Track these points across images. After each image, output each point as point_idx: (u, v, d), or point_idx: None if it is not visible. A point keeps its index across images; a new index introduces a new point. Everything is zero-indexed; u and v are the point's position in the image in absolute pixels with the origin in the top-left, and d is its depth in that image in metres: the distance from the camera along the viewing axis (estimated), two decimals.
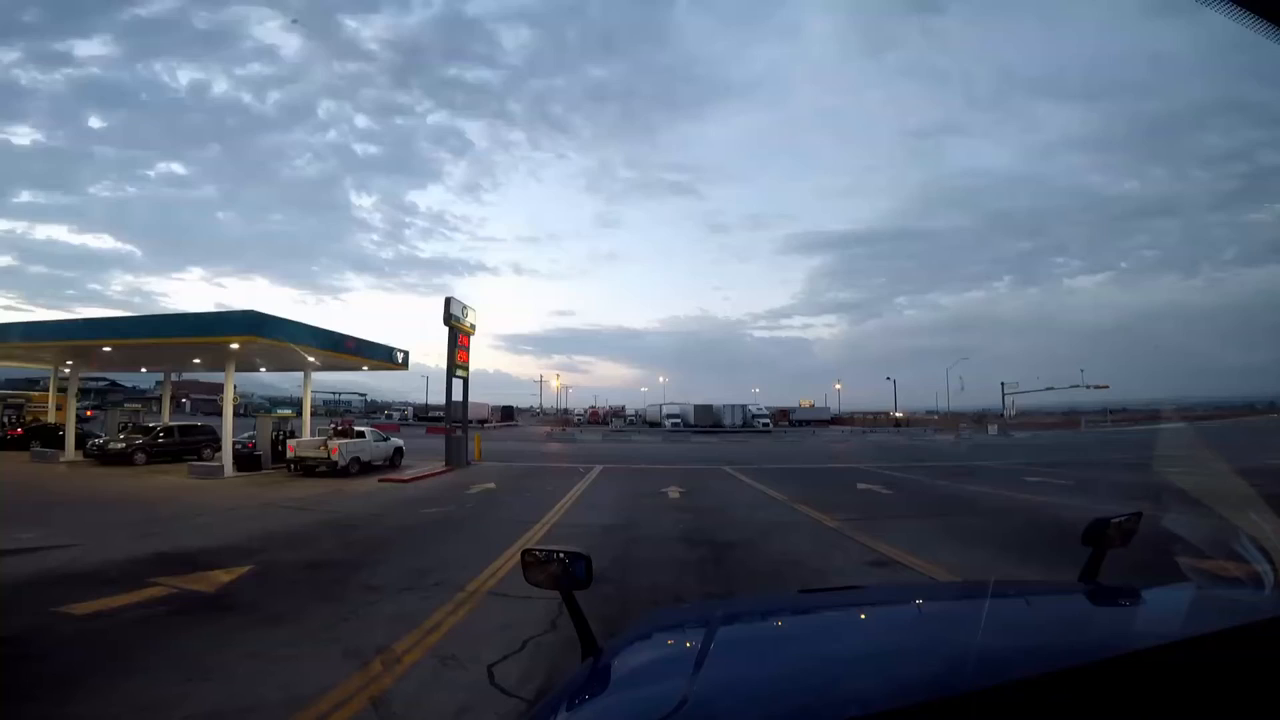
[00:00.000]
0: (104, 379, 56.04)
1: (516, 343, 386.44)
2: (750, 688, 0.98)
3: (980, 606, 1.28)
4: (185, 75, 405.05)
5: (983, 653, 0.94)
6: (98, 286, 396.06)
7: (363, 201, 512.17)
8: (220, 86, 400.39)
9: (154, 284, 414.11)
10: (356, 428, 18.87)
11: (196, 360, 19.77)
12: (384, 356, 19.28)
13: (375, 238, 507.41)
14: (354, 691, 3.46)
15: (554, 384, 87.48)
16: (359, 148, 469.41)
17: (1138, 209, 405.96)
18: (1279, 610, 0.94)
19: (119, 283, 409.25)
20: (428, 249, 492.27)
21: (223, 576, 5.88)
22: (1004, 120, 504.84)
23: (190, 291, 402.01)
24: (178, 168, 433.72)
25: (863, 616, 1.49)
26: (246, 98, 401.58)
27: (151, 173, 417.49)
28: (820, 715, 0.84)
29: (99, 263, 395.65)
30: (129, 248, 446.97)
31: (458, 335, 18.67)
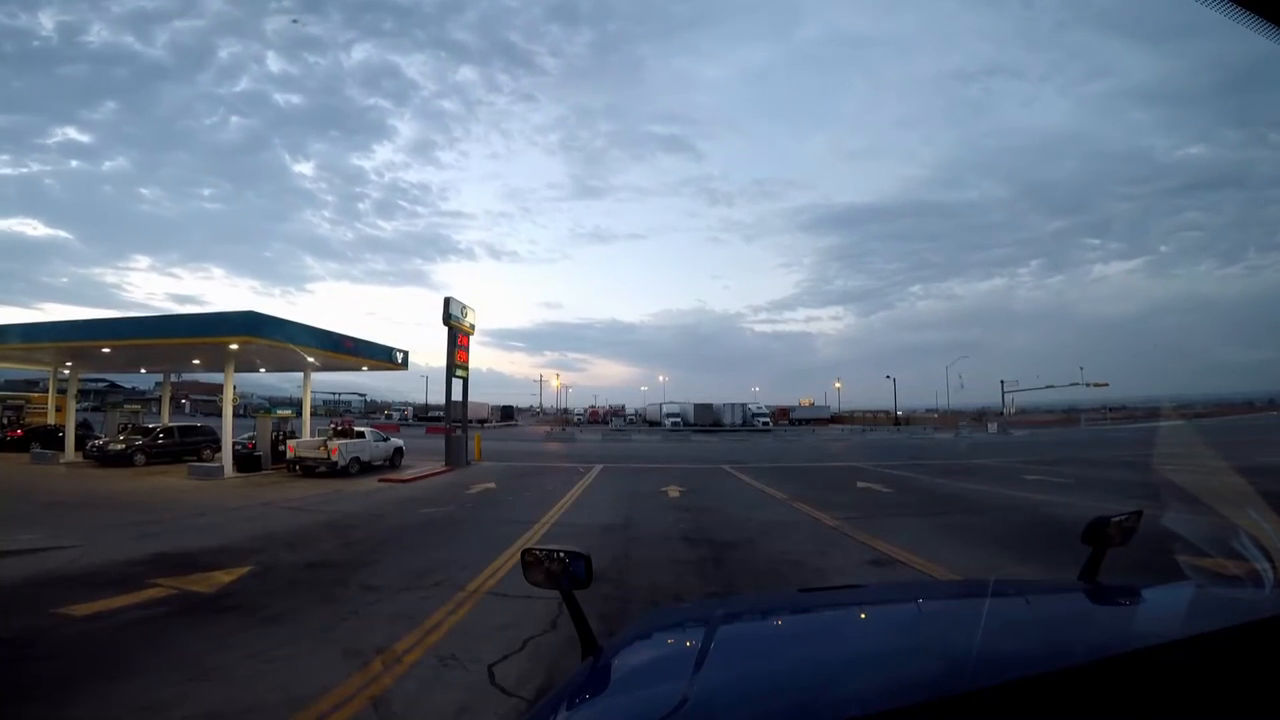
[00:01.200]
0: (103, 380, 56.02)
1: (505, 339, 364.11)
2: (750, 687, 0.98)
3: (980, 605, 1.28)
4: (49, 18, 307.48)
5: (983, 652, 0.94)
6: (48, 279, 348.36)
7: (302, 168, 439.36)
8: (95, 29, 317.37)
9: (103, 275, 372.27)
10: (356, 428, 18.86)
11: (196, 361, 19.75)
12: (383, 356, 19.27)
13: (327, 215, 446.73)
14: (354, 691, 3.45)
15: (554, 384, 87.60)
16: (280, 98, 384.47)
17: (1196, 180, 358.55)
18: (1279, 609, 0.94)
19: (65, 274, 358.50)
20: (389, 227, 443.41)
21: (223, 577, 5.88)
22: (1063, 63, 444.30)
23: (144, 283, 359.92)
24: (75, 134, 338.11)
25: (863, 615, 1.49)
26: (129, 39, 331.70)
27: (49, 141, 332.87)
28: (820, 714, 0.84)
29: (37, 252, 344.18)
30: (62, 234, 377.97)
31: (457, 335, 18.66)
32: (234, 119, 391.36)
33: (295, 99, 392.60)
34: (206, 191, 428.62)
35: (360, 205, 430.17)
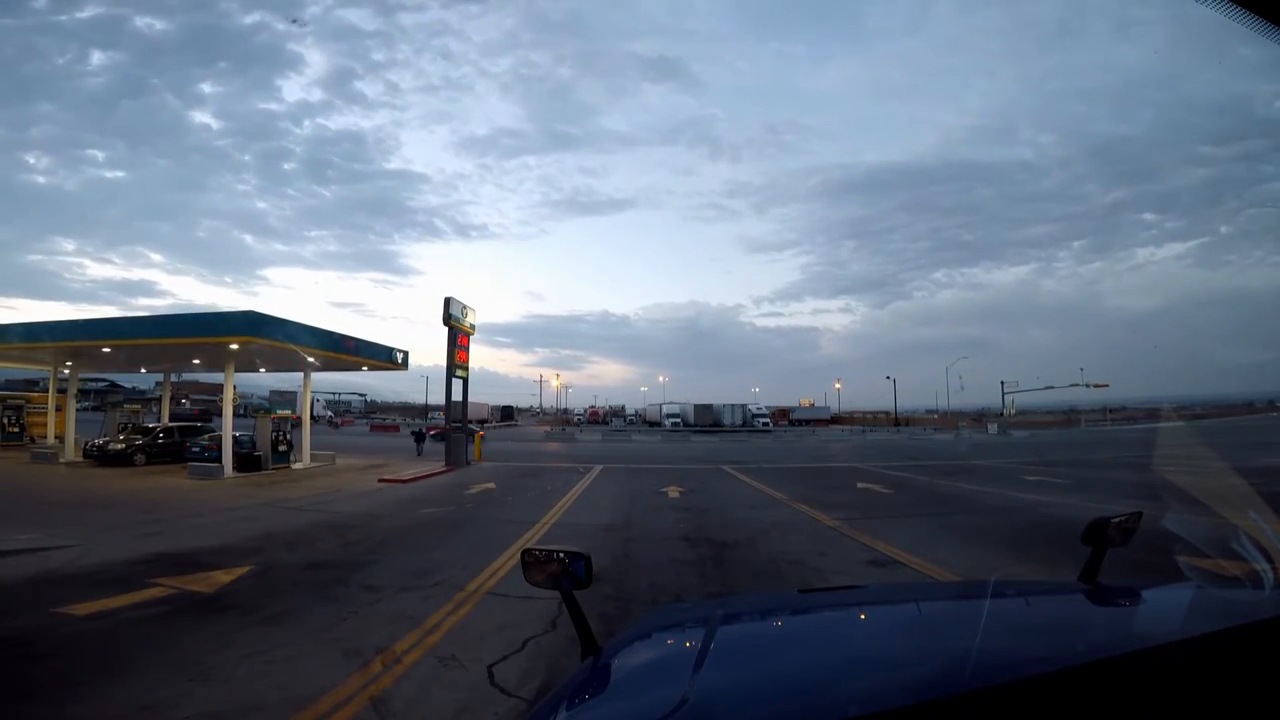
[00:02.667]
0: (103, 379, 56.02)
1: (492, 334, 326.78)
2: (750, 687, 0.98)
3: (980, 606, 1.28)
4: None
5: (982, 653, 0.94)
6: None
7: (201, 118, 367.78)
8: None
9: (29, 262, 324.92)
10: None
11: (196, 361, 19.75)
12: (383, 357, 19.27)
13: (251, 181, 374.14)
14: (354, 692, 3.46)
15: (554, 384, 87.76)
16: (140, 22, 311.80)
17: None
18: (1279, 610, 0.94)
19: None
20: (327, 194, 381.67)
21: (222, 577, 5.88)
22: None
23: (77, 269, 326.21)
24: None
25: (862, 616, 1.49)
26: None
27: None
28: (820, 715, 0.84)
29: None
30: None
31: (457, 335, 18.68)
32: (95, 55, 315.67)
33: (159, 24, 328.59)
34: (99, 155, 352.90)
35: (285, 166, 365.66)
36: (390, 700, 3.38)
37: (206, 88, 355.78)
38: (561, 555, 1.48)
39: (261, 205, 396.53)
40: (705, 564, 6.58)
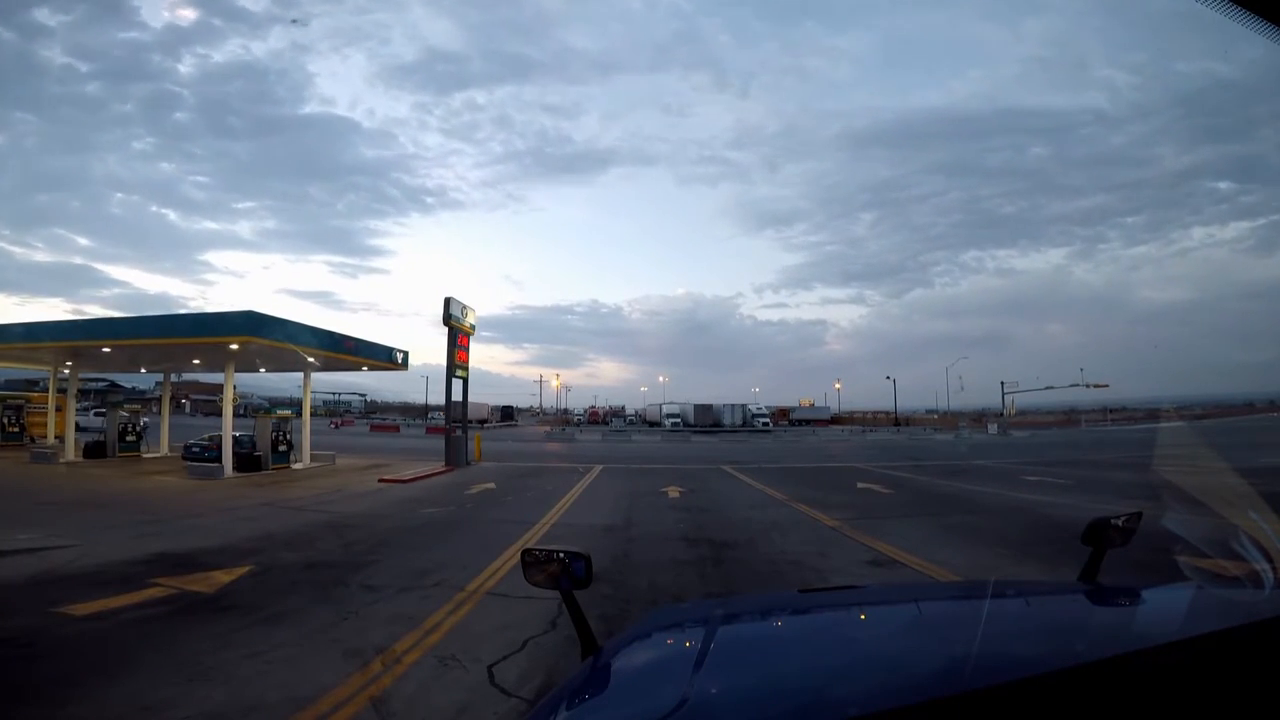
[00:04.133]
0: (104, 379, 56.03)
1: (478, 328, 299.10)
2: (750, 687, 0.98)
3: (980, 606, 1.28)
4: None
5: (982, 652, 0.94)
6: None
7: (58, 57, 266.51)
8: None
9: None
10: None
11: (196, 361, 19.74)
12: (383, 357, 19.26)
13: (142, 136, 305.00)
14: (354, 692, 3.46)
15: (554, 384, 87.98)
16: None
17: None
18: (1279, 610, 0.94)
19: None
20: (242, 152, 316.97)
21: (222, 577, 5.88)
22: None
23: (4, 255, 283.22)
24: None
25: (862, 616, 1.49)
26: None
27: None
28: (820, 714, 0.84)
29: None
30: None
31: (457, 335, 18.69)
32: None
33: None
34: None
35: (177, 116, 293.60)
36: (390, 700, 3.38)
37: (44, 16, 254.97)
38: (561, 555, 1.48)
39: (166, 168, 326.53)
40: (705, 564, 6.57)
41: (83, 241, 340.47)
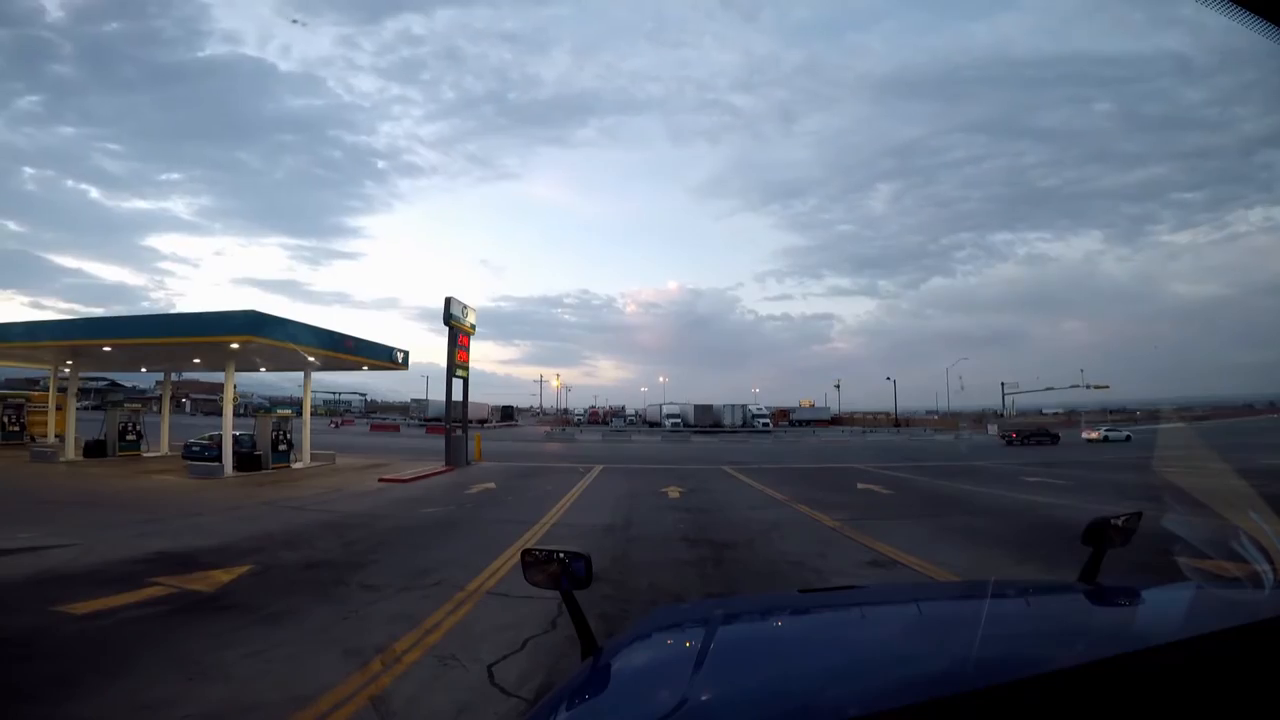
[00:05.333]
0: (104, 379, 56.09)
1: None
2: (750, 687, 0.98)
3: (980, 606, 1.28)
4: None
5: (982, 652, 0.94)
6: None
7: None
8: None
9: None
10: None
11: (196, 360, 19.76)
12: (384, 356, 19.27)
13: (23, 91, 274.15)
14: (354, 691, 3.45)
15: (554, 384, 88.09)
16: None
17: None
18: (1279, 610, 0.94)
19: None
20: (148, 108, 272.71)
21: (222, 576, 5.88)
22: None
23: None
24: None
25: (862, 616, 1.49)
26: None
27: None
28: (820, 714, 0.84)
29: None
30: None
31: (457, 335, 18.70)
32: None
33: None
34: None
35: (56, 69, 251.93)
36: (390, 699, 3.38)
37: None
38: (561, 555, 1.48)
39: (67, 132, 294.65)
40: (705, 564, 6.57)
41: (11, 226, 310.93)
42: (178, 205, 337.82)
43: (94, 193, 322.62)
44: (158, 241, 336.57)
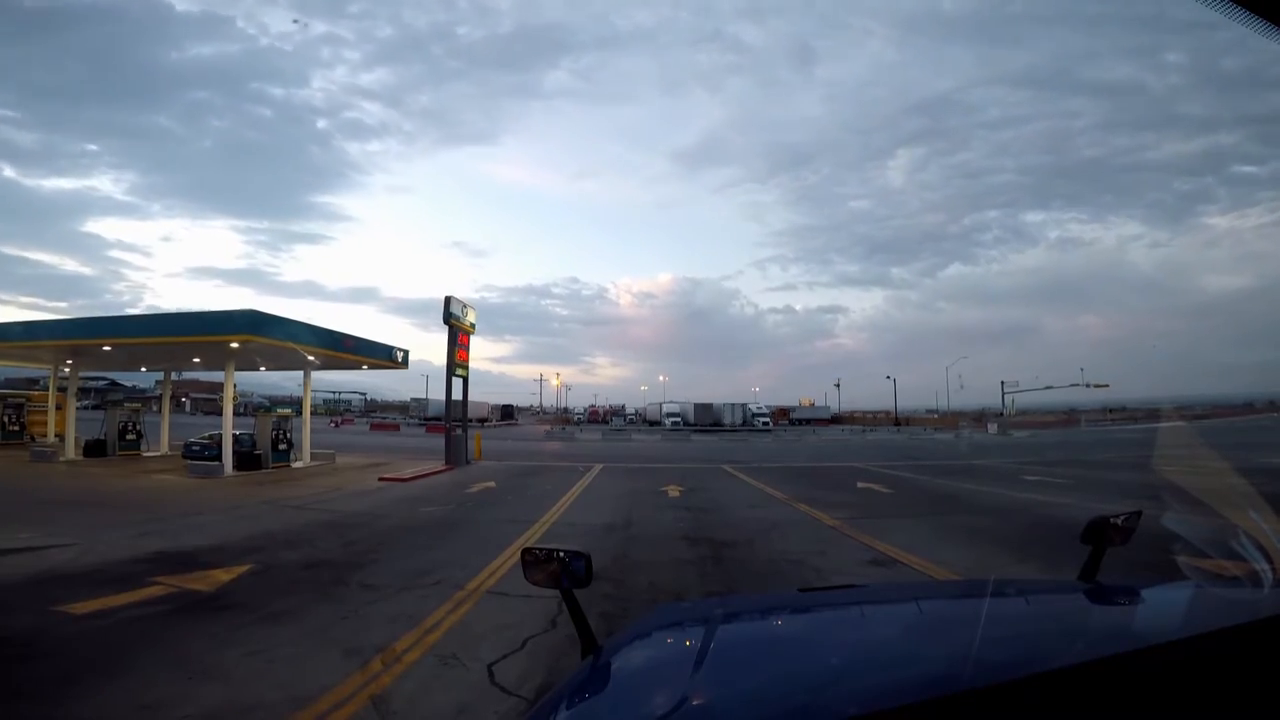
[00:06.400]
0: (104, 378, 56.07)
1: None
2: (750, 686, 0.98)
3: (980, 605, 1.28)
4: None
5: (982, 651, 0.94)
6: None
7: None
8: None
9: None
10: None
11: (197, 359, 19.75)
12: (383, 355, 19.26)
13: None
14: (354, 690, 3.46)
15: (554, 383, 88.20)
16: None
17: None
18: (1278, 609, 0.94)
19: None
20: (30, 60, 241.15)
21: (222, 575, 5.88)
22: None
23: None
24: None
25: (862, 615, 1.49)
26: None
27: None
28: (820, 714, 0.84)
29: None
30: None
31: (457, 334, 18.69)
32: None
33: None
34: None
35: None
36: (390, 699, 3.38)
37: None
38: (561, 554, 1.48)
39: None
40: (705, 563, 6.58)
41: None
42: (104, 183, 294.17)
43: (8, 171, 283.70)
44: (97, 226, 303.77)
